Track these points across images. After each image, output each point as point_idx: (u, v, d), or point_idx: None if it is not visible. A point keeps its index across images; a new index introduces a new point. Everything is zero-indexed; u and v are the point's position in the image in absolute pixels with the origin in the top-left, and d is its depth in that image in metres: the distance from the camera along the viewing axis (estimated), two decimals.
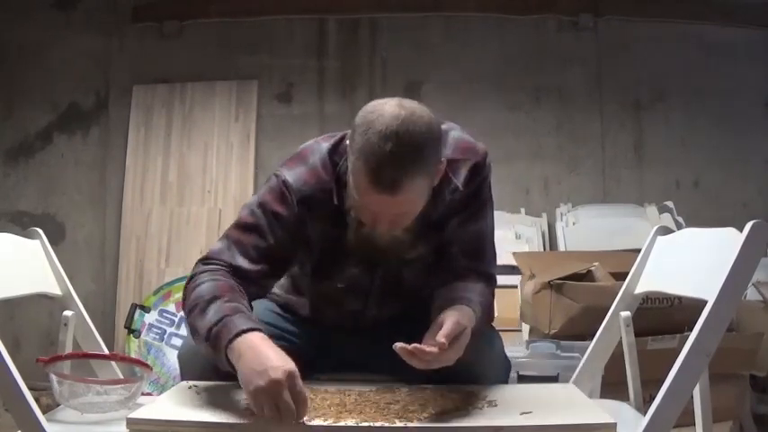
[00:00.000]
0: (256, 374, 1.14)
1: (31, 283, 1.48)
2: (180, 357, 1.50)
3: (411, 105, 1.30)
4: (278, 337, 1.41)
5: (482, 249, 1.52)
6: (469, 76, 4.04)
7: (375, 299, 1.54)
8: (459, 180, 1.46)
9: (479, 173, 1.50)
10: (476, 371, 1.42)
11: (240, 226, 1.45)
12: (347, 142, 1.34)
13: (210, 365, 1.32)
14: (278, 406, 1.12)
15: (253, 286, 1.41)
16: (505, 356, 1.52)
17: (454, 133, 1.52)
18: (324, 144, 1.48)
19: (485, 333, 1.46)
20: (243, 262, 1.40)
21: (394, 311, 1.56)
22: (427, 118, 1.29)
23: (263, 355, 1.18)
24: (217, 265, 1.40)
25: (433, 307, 1.39)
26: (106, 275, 3.97)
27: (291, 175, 1.43)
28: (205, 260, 1.42)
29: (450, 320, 1.27)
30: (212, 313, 1.28)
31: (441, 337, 1.23)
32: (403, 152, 1.23)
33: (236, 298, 1.33)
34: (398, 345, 1.21)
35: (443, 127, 1.41)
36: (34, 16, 4.13)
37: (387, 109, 1.28)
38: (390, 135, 1.23)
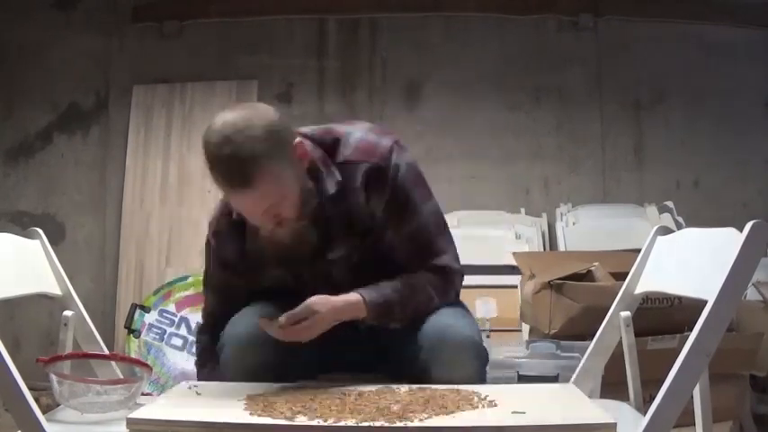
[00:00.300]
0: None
1: (31, 283, 1.48)
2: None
3: (239, 107, 1.45)
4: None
5: (425, 245, 1.54)
6: (469, 76, 4.04)
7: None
8: (356, 182, 1.48)
9: (382, 175, 1.49)
10: (438, 358, 1.42)
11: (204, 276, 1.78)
12: None
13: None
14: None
15: (222, 323, 1.58)
16: (473, 342, 1.46)
17: (357, 134, 1.53)
18: None
19: (446, 320, 1.47)
20: (207, 312, 1.78)
21: None
22: (261, 114, 1.40)
23: None
24: (200, 331, 1.78)
25: None
26: (106, 275, 3.97)
27: (212, 213, 1.70)
28: (197, 325, 1.82)
29: (303, 304, 1.40)
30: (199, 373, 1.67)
31: (283, 317, 1.38)
32: (239, 147, 1.34)
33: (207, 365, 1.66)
34: (259, 317, 1.42)
35: (346, 128, 1.52)
36: (34, 16, 4.13)
37: (216, 120, 1.43)
38: (224, 138, 1.37)
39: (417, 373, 1.43)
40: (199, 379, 1.62)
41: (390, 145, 1.52)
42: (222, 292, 1.69)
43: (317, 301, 1.41)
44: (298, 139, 1.43)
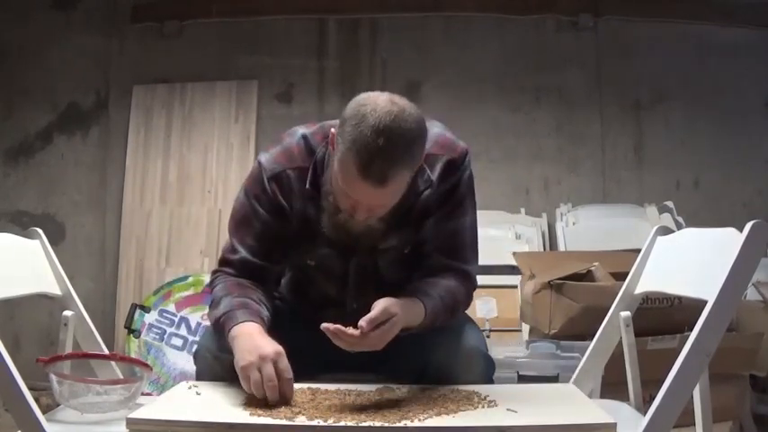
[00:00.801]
0: (247, 352, 1.28)
1: (31, 283, 1.48)
2: (196, 357, 1.52)
3: (402, 102, 1.36)
4: (284, 343, 1.42)
5: (459, 247, 1.53)
6: (469, 77, 4.04)
7: (353, 288, 1.56)
8: (434, 174, 1.49)
9: (455, 170, 1.51)
10: (449, 370, 1.42)
11: (234, 219, 1.54)
12: (332, 130, 1.39)
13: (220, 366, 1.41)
14: (262, 377, 1.23)
15: (263, 274, 1.51)
16: (483, 353, 1.48)
17: (436, 129, 1.56)
18: (300, 129, 1.54)
19: (457, 331, 1.47)
20: (246, 255, 1.50)
21: (372, 305, 1.55)
22: (417, 115, 1.35)
23: (256, 339, 1.32)
24: (228, 266, 1.52)
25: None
26: (106, 275, 3.97)
27: (265, 157, 1.52)
28: (218, 263, 1.55)
29: (379, 307, 1.31)
30: (222, 306, 1.42)
31: (362, 321, 1.29)
32: (394, 148, 1.29)
33: (246, 293, 1.45)
34: (325, 324, 1.28)
35: (427, 123, 1.45)
36: (34, 16, 4.13)
37: (380, 103, 1.34)
38: (383, 130, 1.29)
39: (424, 379, 1.43)
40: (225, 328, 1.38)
41: (466, 147, 1.56)
42: (265, 239, 1.49)
43: (390, 303, 1.33)
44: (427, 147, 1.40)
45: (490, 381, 1.49)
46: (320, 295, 1.60)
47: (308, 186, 1.48)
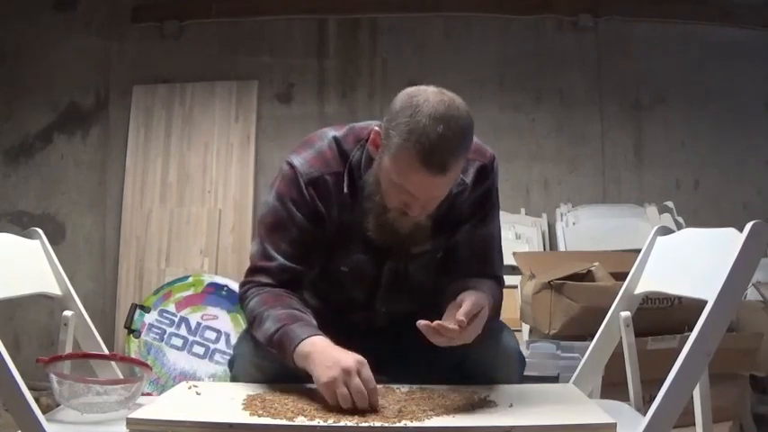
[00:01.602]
0: (327, 368, 1.24)
1: (31, 283, 1.48)
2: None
3: (450, 94, 1.39)
4: None
5: (490, 253, 1.54)
6: (469, 77, 4.04)
7: (384, 292, 1.55)
8: (468, 178, 1.49)
9: (487, 175, 1.51)
10: (487, 366, 1.42)
11: (266, 224, 1.50)
12: (375, 128, 1.40)
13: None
14: (350, 390, 1.20)
15: (300, 280, 1.49)
16: (519, 352, 1.51)
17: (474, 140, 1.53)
18: (330, 132, 1.52)
19: (497, 329, 1.47)
20: (283, 261, 1.46)
21: (401, 309, 1.55)
22: (465, 106, 1.37)
23: (330, 352, 1.28)
24: (263, 274, 1.47)
25: (446, 296, 1.41)
26: (106, 275, 3.97)
27: (299, 160, 1.48)
28: (249, 272, 1.50)
29: (470, 300, 1.31)
30: (269, 323, 1.37)
31: (460, 315, 1.27)
32: (453, 135, 1.30)
33: (287, 304, 1.42)
34: (422, 322, 1.26)
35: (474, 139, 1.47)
36: (34, 17, 4.13)
37: (430, 94, 1.35)
38: (441, 118, 1.30)
39: (460, 377, 1.42)
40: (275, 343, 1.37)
41: (493, 153, 1.55)
42: (301, 244, 1.47)
43: (478, 296, 1.35)
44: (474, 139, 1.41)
45: (521, 379, 1.50)
46: (347, 299, 1.58)
47: (345, 191, 1.46)
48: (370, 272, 1.53)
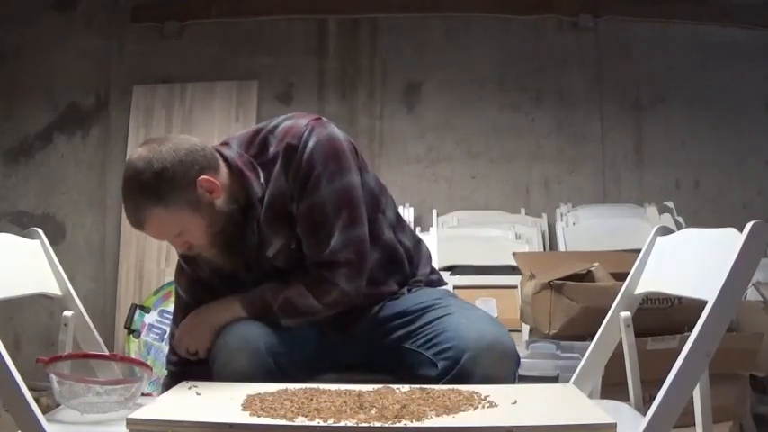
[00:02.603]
0: None
1: (31, 283, 1.48)
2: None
3: (145, 150, 1.44)
4: (280, 343, 1.47)
5: (320, 224, 1.51)
6: (469, 77, 4.05)
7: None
8: (277, 165, 1.51)
9: (293, 153, 1.50)
10: (481, 364, 1.41)
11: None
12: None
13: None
14: None
15: None
16: (514, 349, 1.48)
17: (286, 123, 1.56)
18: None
19: (492, 328, 1.46)
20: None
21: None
22: (158, 153, 1.43)
23: None
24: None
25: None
26: (106, 275, 3.97)
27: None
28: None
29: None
30: None
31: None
32: (131, 194, 1.44)
33: None
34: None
35: (275, 123, 1.56)
36: (34, 17, 4.13)
37: (128, 158, 1.47)
38: (124, 183, 1.45)
39: (450, 376, 1.42)
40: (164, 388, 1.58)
41: (306, 122, 1.53)
42: (191, 292, 1.69)
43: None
44: (201, 178, 1.45)
45: (516, 377, 1.50)
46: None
47: None
48: (245, 277, 1.60)
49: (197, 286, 1.68)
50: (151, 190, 1.41)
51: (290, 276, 1.55)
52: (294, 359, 1.50)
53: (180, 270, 1.72)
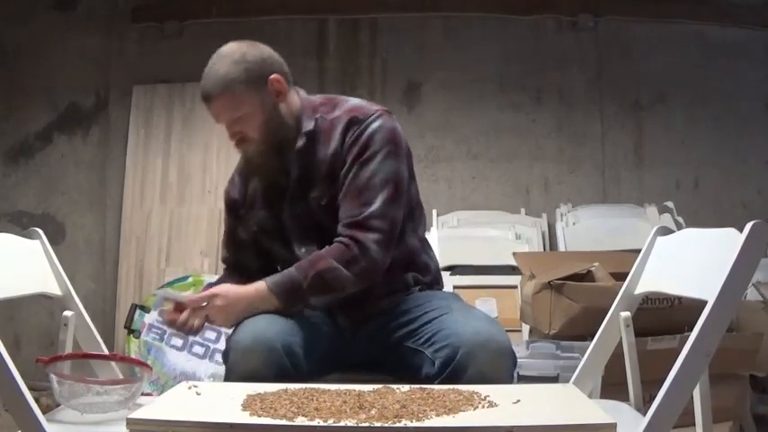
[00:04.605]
0: None
1: (31, 283, 1.48)
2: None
3: (236, 42, 1.67)
4: (297, 342, 1.48)
5: (363, 192, 1.58)
6: (469, 77, 4.05)
7: (295, 239, 1.66)
8: (338, 130, 1.63)
9: (357, 124, 1.62)
10: (478, 364, 1.41)
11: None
12: None
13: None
14: None
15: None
16: (510, 349, 1.49)
17: (358, 101, 1.71)
18: None
19: (488, 327, 1.47)
20: (225, 257, 1.84)
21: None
22: (247, 46, 1.65)
23: None
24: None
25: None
26: (106, 275, 3.97)
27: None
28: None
29: (209, 291, 1.58)
30: None
31: (185, 299, 1.62)
32: (210, 70, 1.63)
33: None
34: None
35: (346, 98, 1.72)
36: (34, 16, 4.14)
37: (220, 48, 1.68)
38: (211, 60, 1.66)
39: (447, 375, 1.43)
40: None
41: (377, 108, 1.65)
42: (231, 237, 1.80)
43: (221, 288, 1.57)
44: (275, 76, 1.63)
45: (512, 377, 1.50)
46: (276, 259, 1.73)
47: (237, 170, 1.89)
48: (274, 225, 1.68)
49: (241, 251, 1.77)
50: (230, 69, 1.59)
51: (317, 252, 1.58)
52: (310, 357, 1.50)
53: (228, 236, 1.81)
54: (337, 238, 1.56)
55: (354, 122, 1.61)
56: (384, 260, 1.56)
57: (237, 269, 1.77)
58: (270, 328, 1.47)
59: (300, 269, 1.55)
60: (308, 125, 1.65)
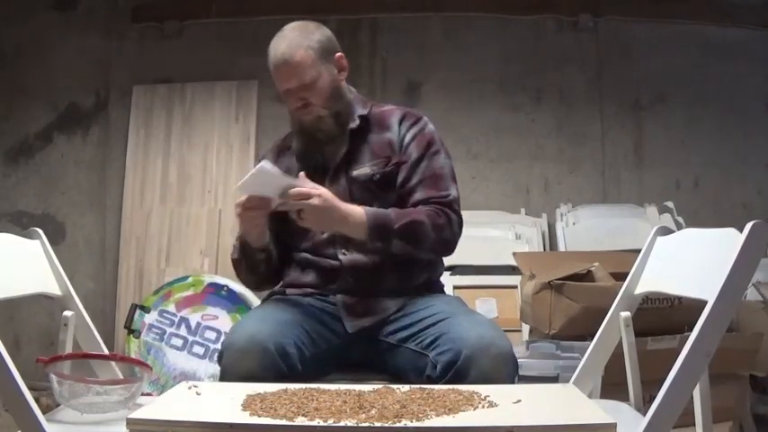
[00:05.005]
0: None
1: (31, 283, 1.48)
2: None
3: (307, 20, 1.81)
4: (291, 343, 1.48)
5: (440, 179, 1.74)
6: (470, 77, 4.04)
7: None
8: (392, 117, 1.79)
9: (411, 119, 1.79)
10: (480, 371, 1.42)
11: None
12: None
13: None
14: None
15: None
16: (513, 356, 1.50)
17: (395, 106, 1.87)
18: None
19: (489, 333, 1.47)
20: None
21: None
22: (317, 24, 1.82)
23: None
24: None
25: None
26: (106, 275, 3.97)
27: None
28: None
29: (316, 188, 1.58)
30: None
31: (295, 191, 1.55)
32: (288, 33, 1.76)
33: None
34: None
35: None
36: (34, 16, 4.13)
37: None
38: (284, 28, 1.78)
39: (449, 378, 1.43)
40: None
41: (425, 118, 1.82)
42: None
43: (324, 190, 1.58)
44: (340, 53, 1.82)
45: (513, 383, 1.50)
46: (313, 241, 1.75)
47: (277, 144, 1.96)
48: None
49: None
50: (305, 38, 1.74)
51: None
52: (304, 358, 1.50)
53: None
54: (427, 206, 1.67)
55: (410, 117, 1.79)
56: (457, 240, 1.70)
57: None
58: (263, 330, 1.48)
59: (396, 213, 1.64)
60: (362, 111, 1.79)
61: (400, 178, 1.72)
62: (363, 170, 1.72)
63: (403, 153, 1.74)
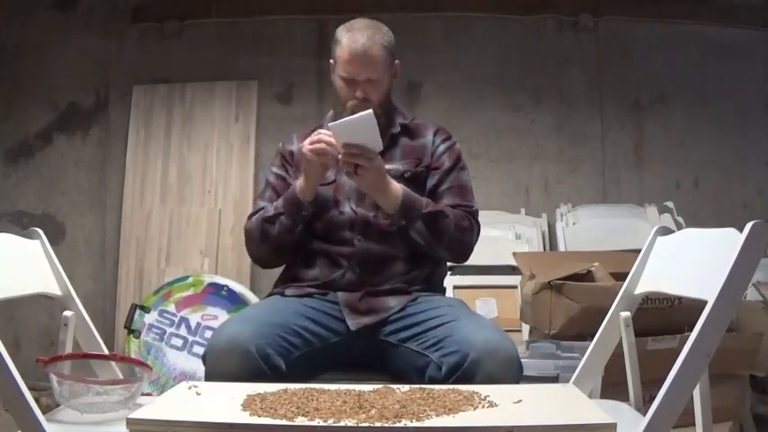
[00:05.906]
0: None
1: (31, 283, 1.48)
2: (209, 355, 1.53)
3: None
4: (274, 343, 1.48)
5: (464, 189, 1.84)
6: (469, 77, 4.04)
7: (348, 200, 1.78)
8: (428, 129, 1.91)
9: (444, 134, 1.91)
10: (485, 375, 1.43)
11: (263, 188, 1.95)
12: (331, 61, 1.89)
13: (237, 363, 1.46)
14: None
15: None
16: (518, 359, 1.51)
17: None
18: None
19: (495, 337, 1.48)
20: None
21: (373, 236, 1.74)
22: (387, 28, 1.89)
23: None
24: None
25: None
26: (106, 275, 3.97)
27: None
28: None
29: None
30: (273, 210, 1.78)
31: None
32: (370, 26, 1.87)
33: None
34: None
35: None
36: (34, 16, 4.13)
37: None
38: (363, 22, 1.89)
39: (454, 380, 1.43)
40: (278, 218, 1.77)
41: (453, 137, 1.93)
42: (274, 190, 1.87)
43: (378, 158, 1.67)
44: (398, 61, 1.88)
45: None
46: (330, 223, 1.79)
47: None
48: (343, 182, 1.80)
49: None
50: (385, 40, 1.85)
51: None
52: (292, 358, 1.50)
53: (273, 189, 1.89)
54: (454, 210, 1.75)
55: (443, 132, 1.91)
56: (473, 247, 1.80)
57: None
58: (245, 331, 1.49)
59: (428, 201, 1.73)
60: (402, 120, 1.91)
61: (432, 182, 1.81)
62: (395, 166, 1.80)
63: (436, 160, 1.84)
